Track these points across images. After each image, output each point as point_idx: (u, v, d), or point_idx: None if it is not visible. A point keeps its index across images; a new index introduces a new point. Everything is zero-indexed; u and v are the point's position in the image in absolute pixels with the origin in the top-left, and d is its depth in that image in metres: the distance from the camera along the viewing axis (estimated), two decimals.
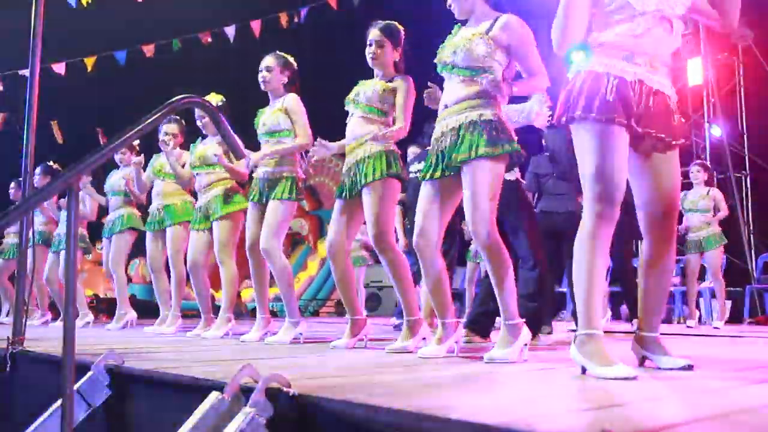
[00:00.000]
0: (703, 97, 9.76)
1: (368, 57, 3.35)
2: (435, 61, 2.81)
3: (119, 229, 5.60)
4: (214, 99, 4.52)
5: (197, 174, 4.65)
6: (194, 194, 5.00)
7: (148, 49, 8.83)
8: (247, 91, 4.95)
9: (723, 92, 9.78)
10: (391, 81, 3.33)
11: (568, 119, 2.16)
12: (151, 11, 7.66)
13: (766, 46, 9.31)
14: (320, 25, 9.12)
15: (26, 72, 3.18)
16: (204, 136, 4.73)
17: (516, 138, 2.69)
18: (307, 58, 5.27)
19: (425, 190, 2.78)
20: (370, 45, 3.34)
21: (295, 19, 8.69)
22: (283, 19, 8.68)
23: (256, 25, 8.59)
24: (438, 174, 2.71)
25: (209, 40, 8.75)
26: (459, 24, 2.85)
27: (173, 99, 1.96)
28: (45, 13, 3.28)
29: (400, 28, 3.40)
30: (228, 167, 4.36)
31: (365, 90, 3.33)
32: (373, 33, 3.34)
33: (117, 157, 5.63)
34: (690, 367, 2.15)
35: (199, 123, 4.63)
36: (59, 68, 8.79)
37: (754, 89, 9.67)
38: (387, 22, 3.38)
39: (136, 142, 5.58)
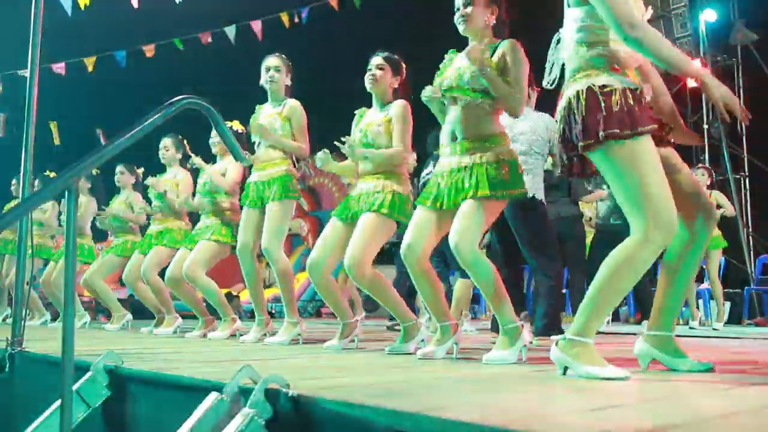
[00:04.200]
0: (702, 98, 9.77)
1: (368, 81, 3.32)
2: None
3: (116, 252, 5.62)
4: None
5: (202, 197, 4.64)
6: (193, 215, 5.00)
7: (148, 49, 8.82)
8: (248, 91, 4.95)
9: None
10: (387, 108, 3.30)
11: (599, 139, 1.98)
12: (151, 11, 7.64)
13: (766, 48, 9.33)
14: (321, 26, 9.11)
15: (26, 72, 3.18)
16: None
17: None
18: (307, 59, 5.27)
19: (421, 212, 2.78)
20: (370, 69, 3.34)
21: (296, 20, 8.67)
22: (284, 19, 8.67)
23: (256, 26, 8.58)
24: (438, 206, 2.72)
25: (209, 40, 8.74)
26: (454, 50, 2.85)
27: (173, 99, 1.96)
28: (44, 14, 3.27)
29: (402, 62, 3.39)
30: (211, 173, 4.38)
31: (371, 130, 3.28)
32: (375, 59, 3.36)
33: (116, 178, 5.66)
34: (712, 369, 2.14)
35: (211, 142, 4.61)
36: (59, 68, 8.78)
37: (753, 91, 9.68)
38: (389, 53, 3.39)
39: (140, 170, 5.62)
